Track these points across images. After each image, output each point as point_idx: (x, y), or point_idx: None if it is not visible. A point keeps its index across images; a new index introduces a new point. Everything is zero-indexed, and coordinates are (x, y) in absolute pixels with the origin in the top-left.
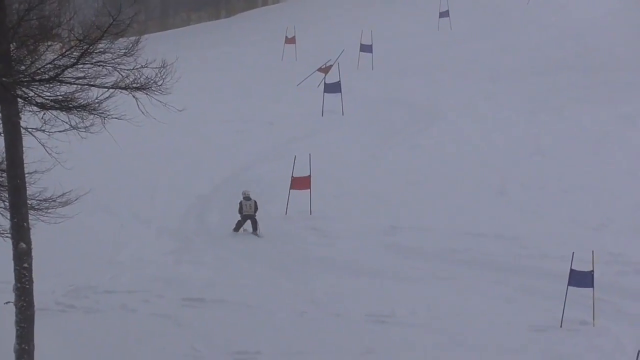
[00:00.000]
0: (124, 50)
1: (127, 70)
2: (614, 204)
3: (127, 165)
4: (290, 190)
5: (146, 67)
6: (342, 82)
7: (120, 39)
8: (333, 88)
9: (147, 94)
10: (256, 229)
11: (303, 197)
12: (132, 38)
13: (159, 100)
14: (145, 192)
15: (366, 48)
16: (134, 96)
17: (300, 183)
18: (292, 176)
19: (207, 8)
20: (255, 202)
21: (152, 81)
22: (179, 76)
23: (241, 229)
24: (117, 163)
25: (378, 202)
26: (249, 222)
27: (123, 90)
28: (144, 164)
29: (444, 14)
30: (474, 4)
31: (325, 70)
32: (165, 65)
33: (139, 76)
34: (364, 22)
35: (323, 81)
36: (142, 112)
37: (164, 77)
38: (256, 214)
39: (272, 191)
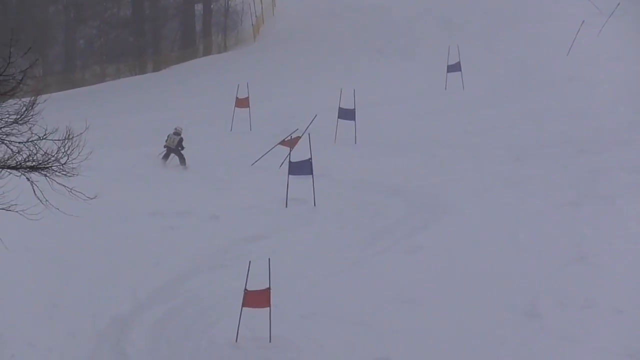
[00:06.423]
0: (14, 116)
1: (19, 143)
2: None
3: (15, 271)
4: (243, 309)
5: (45, 138)
6: (313, 160)
7: (10, 100)
8: (301, 168)
9: (46, 175)
10: (183, 162)
11: (260, 317)
12: (26, 99)
13: (62, 185)
14: (43, 310)
15: (347, 114)
16: (28, 178)
17: (256, 299)
18: (245, 290)
19: (127, 59)
20: (182, 138)
21: (52, 158)
22: (90, 151)
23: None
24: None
25: (361, 327)
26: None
27: (13, 171)
28: (39, 271)
29: (454, 68)
30: (495, 55)
31: (290, 143)
32: (70, 136)
33: (34, 151)
34: (345, 79)
35: (287, 159)
36: (40, 201)
37: (69, 152)
38: (180, 149)
39: (216, 310)
